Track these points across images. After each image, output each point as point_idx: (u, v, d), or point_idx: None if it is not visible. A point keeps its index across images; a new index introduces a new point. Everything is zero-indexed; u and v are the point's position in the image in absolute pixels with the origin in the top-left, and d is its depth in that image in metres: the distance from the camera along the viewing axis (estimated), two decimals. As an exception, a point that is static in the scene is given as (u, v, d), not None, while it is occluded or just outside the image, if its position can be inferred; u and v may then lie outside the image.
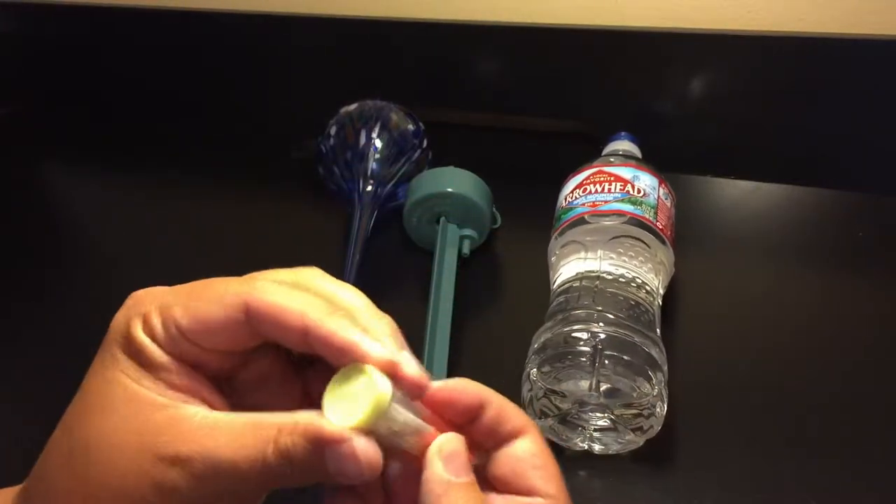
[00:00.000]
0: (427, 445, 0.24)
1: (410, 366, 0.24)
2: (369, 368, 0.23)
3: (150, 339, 0.24)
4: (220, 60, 0.81)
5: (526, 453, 0.26)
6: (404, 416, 0.23)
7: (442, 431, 0.25)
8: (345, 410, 0.23)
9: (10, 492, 0.26)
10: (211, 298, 0.24)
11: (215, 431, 0.23)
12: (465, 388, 0.26)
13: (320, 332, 0.23)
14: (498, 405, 0.26)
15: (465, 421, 0.26)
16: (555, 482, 0.26)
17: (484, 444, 0.26)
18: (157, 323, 0.24)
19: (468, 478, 0.24)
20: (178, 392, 0.24)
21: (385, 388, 0.23)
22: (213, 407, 0.24)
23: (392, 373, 0.23)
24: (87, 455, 0.23)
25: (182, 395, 0.24)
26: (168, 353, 0.24)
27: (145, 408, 0.23)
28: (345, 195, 0.62)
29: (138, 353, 0.24)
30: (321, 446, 0.22)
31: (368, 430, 0.22)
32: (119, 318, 0.25)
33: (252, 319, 0.24)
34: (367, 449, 0.22)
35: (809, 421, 0.46)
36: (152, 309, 0.24)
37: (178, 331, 0.24)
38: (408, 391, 0.24)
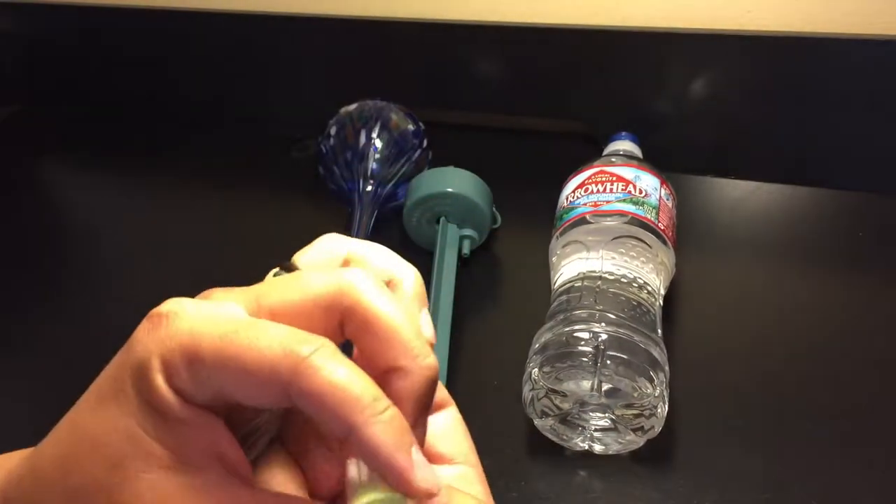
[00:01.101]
0: None
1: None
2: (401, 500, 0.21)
3: (172, 393, 0.21)
4: (221, 60, 0.81)
5: (453, 421, 0.26)
6: None
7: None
8: None
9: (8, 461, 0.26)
10: (246, 368, 0.21)
11: None
12: None
13: (365, 436, 0.21)
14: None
15: None
16: (475, 453, 0.26)
17: None
18: (184, 377, 0.21)
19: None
20: (194, 451, 0.22)
21: None
22: (230, 462, 0.23)
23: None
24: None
25: (199, 454, 0.22)
26: (192, 406, 0.21)
27: (155, 470, 0.21)
28: (345, 195, 0.62)
29: (157, 403, 0.21)
30: None
31: None
32: (138, 350, 0.22)
33: (293, 400, 0.21)
34: None
35: (809, 421, 0.46)
36: (178, 359, 0.21)
37: (209, 390, 0.21)
38: None
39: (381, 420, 0.21)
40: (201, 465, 0.22)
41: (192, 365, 0.21)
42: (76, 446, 0.22)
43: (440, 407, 0.26)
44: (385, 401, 0.21)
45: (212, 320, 0.22)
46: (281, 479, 0.25)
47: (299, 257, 0.27)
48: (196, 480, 0.21)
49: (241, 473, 0.23)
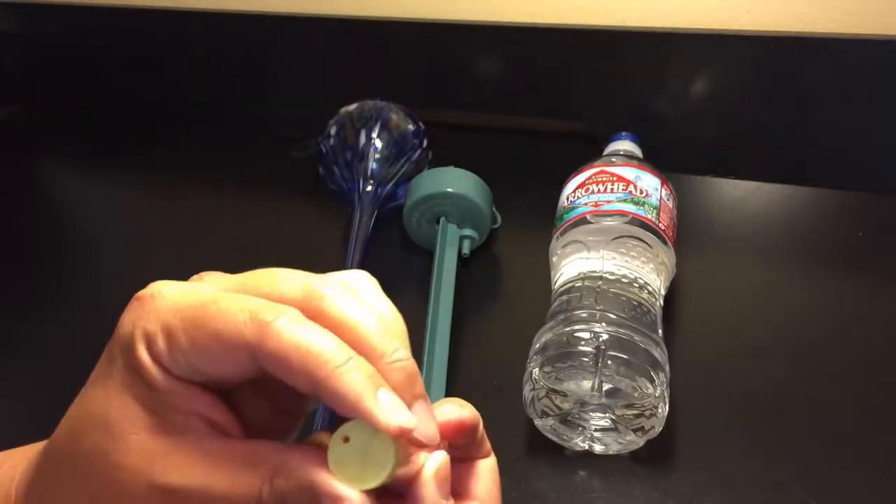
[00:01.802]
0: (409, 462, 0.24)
1: (425, 427, 0.23)
2: (379, 435, 0.22)
3: (154, 363, 0.23)
4: (221, 60, 0.81)
5: (489, 470, 0.27)
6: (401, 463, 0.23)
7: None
8: (351, 468, 0.22)
9: (21, 456, 0.27)
10: (215, 334, 0.22)
11: (213, 463, 0.23)
12: (472, 416, 0.26)
13: (329, 389, 0.22)
14: (481, 425, 0.27)
15: (464, 440, 0.26)
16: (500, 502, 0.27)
17: (466, 455, 0.27)
18: (161, 348, 0.23)
19: (452, 499, 0.25)
20: (180, 414, 0.23)
21: (394, 454, 0.22)
22: (217, 423, 0.24)
23: (402, 438, 0.23)
24: (90, 467, 0.24)
25: (184, 416, 0.24)
26: (173, 377, 0.23)
27: (143, 431, 0.23)
28: (345, 195, 0.62)
29: (141, 372, 0.23)
30: (318, 499, 0.22)
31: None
32: (125, 326, 0.24)
33: (259, 364, 0.23)
34: None
35: (809, 421, 0.46)
36: (157, 331, 0.23)
37: (184, 359, 0.23)
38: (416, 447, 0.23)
39: (345, 370, 0.22)
40: (187, 427, 0.23)
41: (170, 336, 0.23)
42: (79, 418, 0.25)
43: (484, 455, 0.27)
44: (347, 352, 0.22)
45: (188, 295, 0.24)
46: None
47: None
48: (181, 439, 0.23)
49: (231, 433, 0.25)
